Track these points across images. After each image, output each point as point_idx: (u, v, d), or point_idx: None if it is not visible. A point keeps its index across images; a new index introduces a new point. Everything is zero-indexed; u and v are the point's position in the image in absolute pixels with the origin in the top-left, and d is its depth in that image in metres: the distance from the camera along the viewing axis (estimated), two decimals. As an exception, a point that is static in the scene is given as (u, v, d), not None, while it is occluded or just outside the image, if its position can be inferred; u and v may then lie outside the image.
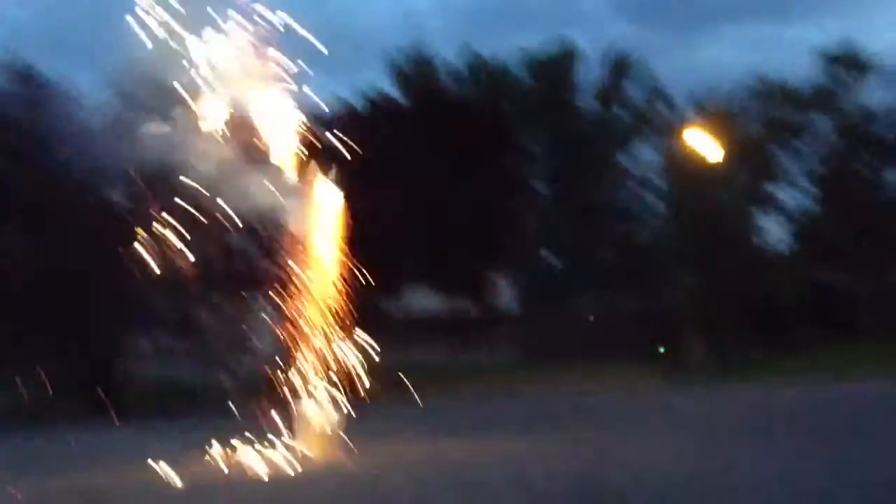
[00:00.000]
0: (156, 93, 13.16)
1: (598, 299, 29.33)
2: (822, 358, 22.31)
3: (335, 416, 12.27)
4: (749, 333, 24.15)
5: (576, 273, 29.40)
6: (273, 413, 12.30)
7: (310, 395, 12.42)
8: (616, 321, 26.96)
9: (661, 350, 24.66)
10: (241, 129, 12.66)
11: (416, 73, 29.16)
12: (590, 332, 27.17)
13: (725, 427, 13.55)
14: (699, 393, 18.78)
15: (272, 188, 12.48)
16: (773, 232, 31.01)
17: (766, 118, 29.88)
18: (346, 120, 21.57)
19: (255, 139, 12.76)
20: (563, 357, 24.58)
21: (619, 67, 31.03)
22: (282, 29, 12.12)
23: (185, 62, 12.00)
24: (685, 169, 26.28)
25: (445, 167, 22.52)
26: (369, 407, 12.60)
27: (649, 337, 24.62)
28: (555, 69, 30.38)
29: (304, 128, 13.25)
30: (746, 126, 28.96)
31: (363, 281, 13.06)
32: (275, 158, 12.85)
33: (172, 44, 11.84)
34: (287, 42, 12.24)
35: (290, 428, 12.26)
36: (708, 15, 51.64)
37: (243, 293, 17.87)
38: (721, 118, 26.30)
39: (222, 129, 12.50)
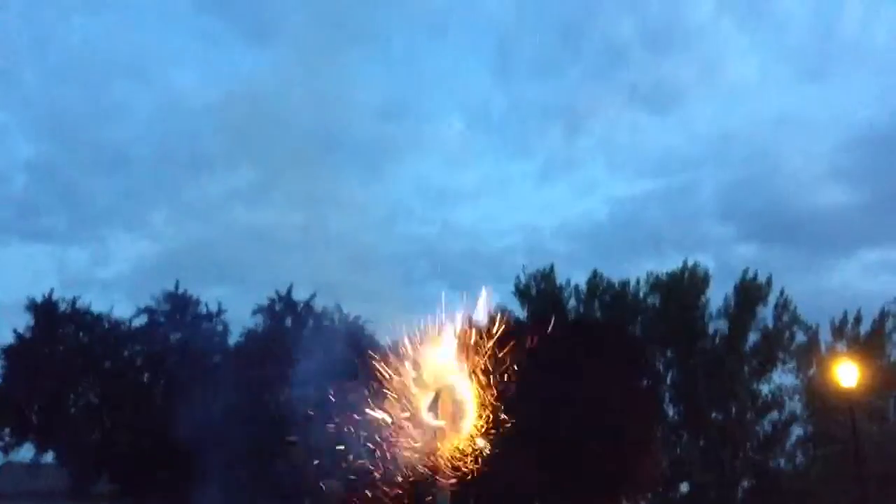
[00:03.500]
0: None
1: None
2: None
3: None
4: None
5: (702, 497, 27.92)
6: None
7: None
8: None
9: None
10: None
11: (542, 293, 29.90)
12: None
13: None
14: None
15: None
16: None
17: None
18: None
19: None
20: None
21: (749, 290, 30.66)
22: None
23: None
24: (824, 395, 25.33)
25: (579, 389, 22.52)
26: None
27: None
28: (683, 291, 30.32)
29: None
30: (888, 352, 27.84)
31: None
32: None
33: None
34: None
35: None
36: (843, 238, 50.11)
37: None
38: (860, 343, 25.55)
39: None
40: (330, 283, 24.02)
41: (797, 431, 29.79)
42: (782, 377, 30.29)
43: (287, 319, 24.00)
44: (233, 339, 23.91)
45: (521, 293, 30.15)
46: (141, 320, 23.86)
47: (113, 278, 42.98)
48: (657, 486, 27.84)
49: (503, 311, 27.97)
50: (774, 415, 29.95)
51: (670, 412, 30.32)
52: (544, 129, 58.18)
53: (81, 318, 24.19)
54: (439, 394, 13.31)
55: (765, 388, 30.18)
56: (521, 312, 29.32)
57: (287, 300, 24.28)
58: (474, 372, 14.15)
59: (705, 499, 28.23)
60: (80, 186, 50.58)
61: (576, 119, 57.16)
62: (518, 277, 30.57)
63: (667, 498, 28.77)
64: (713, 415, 29.26)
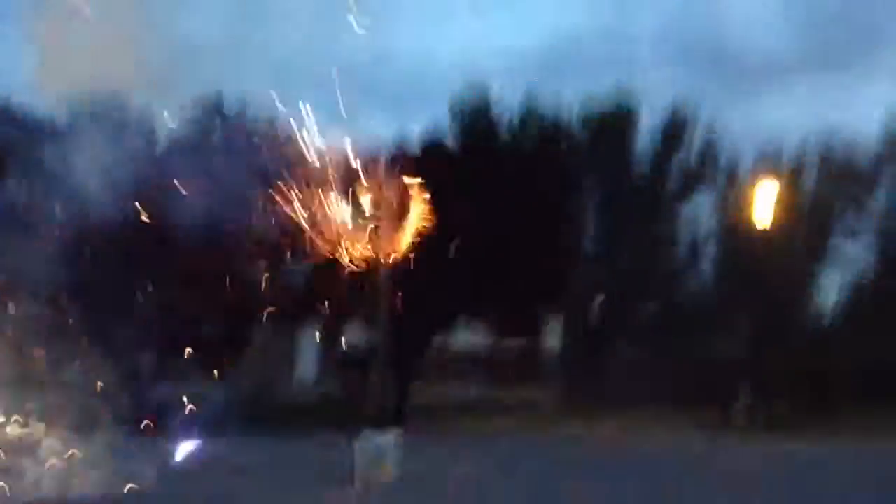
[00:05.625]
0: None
1: (641, 351, 29.39)
2: (864, 421, 22.31)
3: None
4: (796, 394, 24.11)
5: (619, 324, 29.68)
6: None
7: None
8: (658, 371, 27.10)
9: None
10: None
11: (476, 119, 29.82)
12: (630, 380, 27.25)
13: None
14: (742, 449, 18.95)
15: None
16: (830, 294, 30.59)
17: (830, 176, 29.66)
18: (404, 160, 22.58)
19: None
20: (602, 402, 25.02)
21: (676, 123, 31.25)
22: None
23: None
24: (739, 228, 26.50)
25: (507, 209, 23.31)
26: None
27: (692, 389, 24.79)
28: (611, 125, 30.46)
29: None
30: (809, 184, 28.95)
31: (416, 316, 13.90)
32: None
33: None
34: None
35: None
36: (773, 67, 50.48)
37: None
38: (782, 176, 26.40)
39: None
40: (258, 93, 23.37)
41: (710, 254, 31.18)
42: (702, 205, 31.23)
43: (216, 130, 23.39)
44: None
45: (456, 118, 30.00)
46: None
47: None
48: (570, 306, 29.42)
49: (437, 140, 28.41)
50: (689, 238, 31.10)
51: (592, 244, 31.36)
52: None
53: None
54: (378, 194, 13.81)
55: (684, 230, 31.09)
56: (454, 135, 29.34)
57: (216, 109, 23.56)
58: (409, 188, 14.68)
59: (617, 323, 29.70)
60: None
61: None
62: (452, 105, 30.09)
63: (580, 317, 30.19)
64: (629, 246, 30.35)
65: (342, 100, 13.61)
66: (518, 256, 24.10)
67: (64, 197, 18.87)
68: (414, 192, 14.34)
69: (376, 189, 14.09)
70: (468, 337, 28.48)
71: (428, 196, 14.63)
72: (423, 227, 14.34)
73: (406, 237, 14.43)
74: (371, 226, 14.16)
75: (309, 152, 13.91)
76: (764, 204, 21.86)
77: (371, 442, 12.52)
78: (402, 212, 14.40)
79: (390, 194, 14.28)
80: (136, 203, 17.92)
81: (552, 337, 30.17)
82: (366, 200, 14.07)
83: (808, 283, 29.74)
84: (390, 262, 14.20)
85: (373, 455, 12.38)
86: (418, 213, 14.36)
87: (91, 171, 18.24)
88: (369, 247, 14.09)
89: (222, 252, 18.55)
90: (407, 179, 14.28)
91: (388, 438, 12.58)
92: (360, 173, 14.07)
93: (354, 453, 12.41)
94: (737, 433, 22.24)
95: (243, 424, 17.81)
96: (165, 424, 16.46)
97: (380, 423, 14.63)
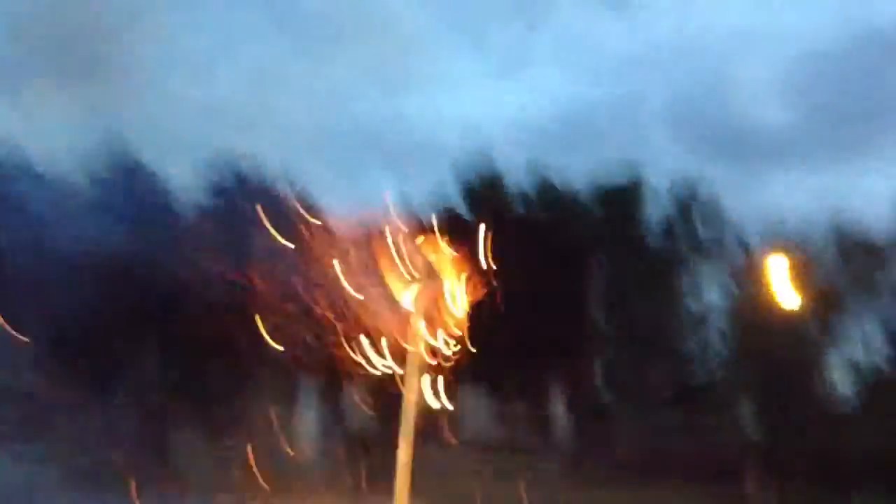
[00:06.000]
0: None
1: (651, 435, 28.87)
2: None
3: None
4: (809, 477, 23.60)
5: (627, 395, 29.25)
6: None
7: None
8: (667, 444, 26.62)
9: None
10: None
11: (484, 187, 29.98)
12: (638, 453, 26.70)
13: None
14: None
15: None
16: (842, 383, 29.94)
17: (842, 265, 29.65)
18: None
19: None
20: (610, 474, 24.57)
21: (685, 195, 31.43)
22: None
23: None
24: (749, 303, 26.33)
25: (516, 278, 23.19)
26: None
27: (703, 464, 24.30)
28: (622, 200, 30.76)
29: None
30: (821, 272, 28.80)
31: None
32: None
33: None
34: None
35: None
36: (782, 153, 50.97)
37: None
38: (792, 253, 26.26)
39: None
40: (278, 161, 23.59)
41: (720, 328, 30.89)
42: (712, 294, 31.10)
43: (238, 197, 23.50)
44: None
45: (467, 190, 30.16)
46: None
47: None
48: (578, 385, 29.09)
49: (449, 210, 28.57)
50: (703, 330, 30.88)
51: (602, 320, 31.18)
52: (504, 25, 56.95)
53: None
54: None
55: (693, 304, 31.01)
56: (463, 207, 29.45)
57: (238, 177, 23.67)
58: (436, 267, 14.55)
59: (626, 406, 29.36)
60: None
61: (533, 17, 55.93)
62: (461, 174, 30.34)
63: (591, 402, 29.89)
64: (640, 326, 30.14)
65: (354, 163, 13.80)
66: (528, 324, 23.81)
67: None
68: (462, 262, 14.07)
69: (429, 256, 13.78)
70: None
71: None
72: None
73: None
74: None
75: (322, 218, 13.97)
76: (780, 281, 21.74)
77: None
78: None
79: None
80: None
81: (558, 406, 29.77)
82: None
83: (821, 362, 29.37)
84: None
85: None
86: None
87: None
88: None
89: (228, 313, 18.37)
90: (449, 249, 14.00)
91: None
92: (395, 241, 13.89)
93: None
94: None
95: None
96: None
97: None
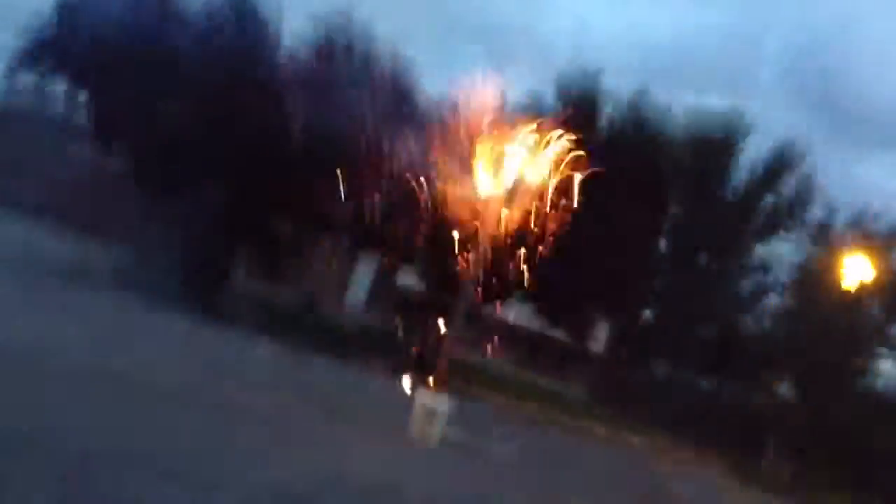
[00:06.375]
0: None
1: (685, 392, 28.94)
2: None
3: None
4: (832, 461, 23.54)
5: (668, 344, 29.12)
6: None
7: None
8: (695, 400, 26.75)
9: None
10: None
11: (583, 106, 29.13)
12: (663, 401, 26.87)
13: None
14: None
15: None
16: (888, 374, 29.53)
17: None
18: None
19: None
20: (631, 415, 24.69)
21: (778, 161, 30.45)
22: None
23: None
24: (816, 287, 25.76)
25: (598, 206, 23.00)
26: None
27: (725, 427, 24.40)
28: (714, 151, 29.72)
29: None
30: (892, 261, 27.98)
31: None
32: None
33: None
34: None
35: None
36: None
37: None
38: (870, 245, 25.53)
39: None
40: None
41: (774, 299, 30.55)
42: (783, 246, 30.33)
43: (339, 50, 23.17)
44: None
45: (565, 103, 29.32)
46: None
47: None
48: (625, 309, 29.05)
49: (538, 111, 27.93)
50: (759, 276, 30.43)
51: (666, 248, 31.05)
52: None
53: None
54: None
55: (761, 249, 30.43)
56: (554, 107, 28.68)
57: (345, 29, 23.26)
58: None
59: (666, 331, 29.14)
60: None
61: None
62: (563, 84, 29.40)
63: (631, 320, 29.93)
64: (703, 258, 29.74)
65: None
66: (589, 252, 23.51)
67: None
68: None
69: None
70: (515, 314, 28.32)
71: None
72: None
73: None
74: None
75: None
76: (851, 270, 21.18)
77: (427, 401, 12.56)
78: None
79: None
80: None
81: (597, 339, 29.91)
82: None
83: (873, 351, 28.84)
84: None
85: (428, 415, 12.43)
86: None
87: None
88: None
89: (326, 160, 18.43)
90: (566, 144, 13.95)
91: (442, 401, 12.59)
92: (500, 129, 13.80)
93: (413, 410, 12.43)
94: (759, 486, 21.61)
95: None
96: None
97: (423, 370, 14.78)
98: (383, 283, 24.85)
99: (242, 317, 18.81)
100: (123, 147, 21.63)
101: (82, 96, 22.55)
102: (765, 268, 30.26)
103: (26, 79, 22.60)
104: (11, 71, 22.15)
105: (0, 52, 21.49)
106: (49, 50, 21.33)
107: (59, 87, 22.83)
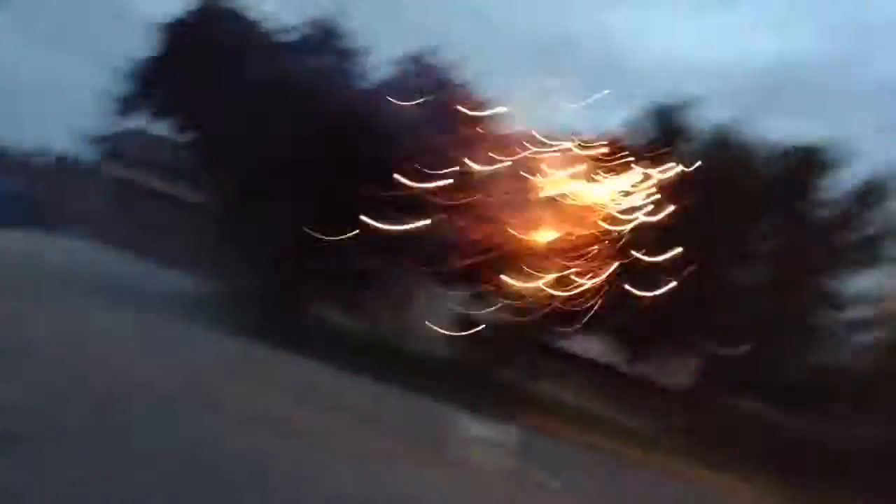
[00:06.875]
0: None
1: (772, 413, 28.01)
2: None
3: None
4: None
5: (758, 379, 28.18)
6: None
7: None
8: (784, 439, 25.76)
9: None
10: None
11: (674, 130, 28.73)
12: (751, 440, 25.97)
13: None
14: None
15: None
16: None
17: None
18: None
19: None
20: (712, 456, 23.84)
21: (871, 191, 29.36)
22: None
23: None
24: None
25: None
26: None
27: (818, 472, 23.38)
28: (808, 183, 28.87)
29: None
30: None
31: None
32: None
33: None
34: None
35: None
36: None
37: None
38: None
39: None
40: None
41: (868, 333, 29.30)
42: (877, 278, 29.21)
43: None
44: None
45: (654, 120, 29.05)
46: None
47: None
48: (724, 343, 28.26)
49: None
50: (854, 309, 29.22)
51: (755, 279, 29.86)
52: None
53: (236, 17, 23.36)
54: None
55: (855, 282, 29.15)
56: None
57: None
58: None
59: (756, 364, 28.14)
60: None
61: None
62: (653, 107, 29.14)
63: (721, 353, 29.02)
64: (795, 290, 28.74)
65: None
66: (680, 284, 22.98)
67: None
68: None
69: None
70: (598, 347, 27.84)
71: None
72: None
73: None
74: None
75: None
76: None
77: (490, 431, 12.47)
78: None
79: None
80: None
81: (680, 374, 29.12)
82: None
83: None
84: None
85: (489, 443, 12.36)
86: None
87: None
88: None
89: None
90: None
91: (507, 431, 12.50)
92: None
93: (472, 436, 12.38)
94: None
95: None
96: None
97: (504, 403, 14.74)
98: (467, 315, 24.79)
99: (334, 353, 19.01)
100: (225, 181, 22.25)
101: (186, 137, 23.37)
102: (859, 301, 29.24)
103: (129, 122, 23.57)
104: (116, 116, 23.07)
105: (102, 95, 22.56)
106: (153, 92, 22.28)
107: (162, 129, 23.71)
